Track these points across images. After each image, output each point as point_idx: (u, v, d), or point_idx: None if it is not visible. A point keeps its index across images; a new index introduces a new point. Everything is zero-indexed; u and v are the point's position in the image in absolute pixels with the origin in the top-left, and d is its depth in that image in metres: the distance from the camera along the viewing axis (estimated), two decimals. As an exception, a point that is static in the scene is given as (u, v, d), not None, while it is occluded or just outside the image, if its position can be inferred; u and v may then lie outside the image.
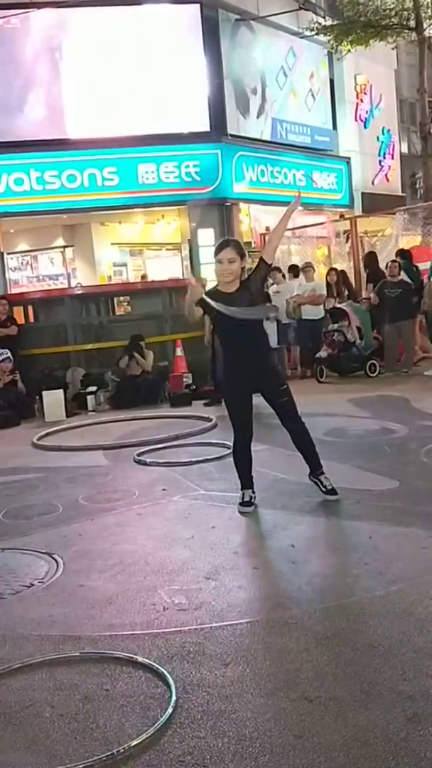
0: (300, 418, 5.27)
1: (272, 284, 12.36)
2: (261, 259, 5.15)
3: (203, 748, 2.51)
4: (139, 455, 7.02)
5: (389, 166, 22.11)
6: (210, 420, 8.44)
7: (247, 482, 5.29)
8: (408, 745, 2.43)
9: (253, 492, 5.27)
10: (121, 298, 13.04)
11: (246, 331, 5.03)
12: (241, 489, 5.27)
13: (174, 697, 2.80)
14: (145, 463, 6.81)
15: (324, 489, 5.21)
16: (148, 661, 3.10)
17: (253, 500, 5.22)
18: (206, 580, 3.97)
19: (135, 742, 2.54)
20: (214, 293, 5.09)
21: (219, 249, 5.03)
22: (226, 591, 3.81)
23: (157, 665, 3.05)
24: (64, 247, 17.35)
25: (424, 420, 7.70)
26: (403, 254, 12.43)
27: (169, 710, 2.72)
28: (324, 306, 12.17)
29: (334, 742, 2.48)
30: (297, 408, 5.26)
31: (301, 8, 17.64)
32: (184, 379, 10.92)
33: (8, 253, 17.56)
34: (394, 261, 11.93)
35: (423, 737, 2.47)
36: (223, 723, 2.65)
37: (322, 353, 11.65)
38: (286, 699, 2.76)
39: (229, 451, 6.76)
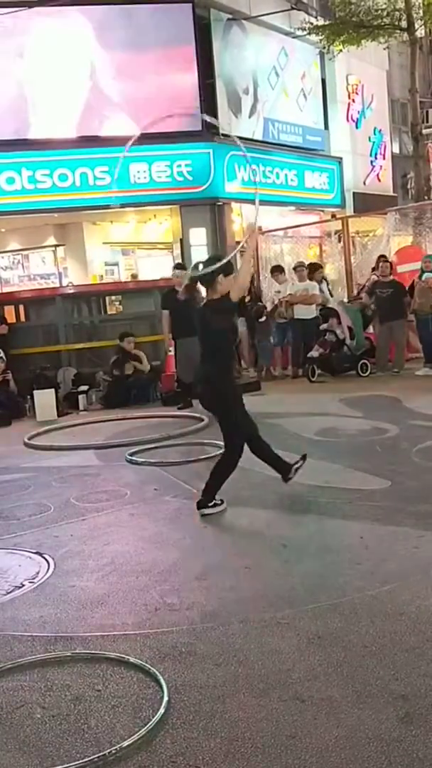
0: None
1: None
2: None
3: (195, 749, 2.50)
4: (130, 455, 7.00)
5: (381, 167, 22.13)
6: (202, 420, 8.43)
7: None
8: (400, 745, 2.43)
9: None
10: (113, 298, 13.01)
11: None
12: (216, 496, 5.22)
13: (166, 698, 2.79)
14: (136, 463, 6.80)
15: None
16: (139, 661, 3.09)
17: None
18: (198, 580, 3.96)
19: (127, 743, 2.53)
20: None
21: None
22: (218, 591, 3.80)
23: (148, 666, 3.04)
24: (56, 246, 17.29)
25: (415, 420, 7.71)
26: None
27: (161, 711, 2.71)
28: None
29: (327, 743, 2.47)
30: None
31: (293, 8, 17.62)
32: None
33: (-1, 252, 17.52)
34: (385, 261, 11.95)
35: (415, 737, 2.47)
36: (215, 723, 2.64)
37: (314, 353, 11.65)
38: (278, 699, 2.76)
39: (221, 451, 6.76)
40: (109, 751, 2.50)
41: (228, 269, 5.20)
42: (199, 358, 9.58)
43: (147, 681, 2.96)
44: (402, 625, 3.24)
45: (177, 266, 10.81)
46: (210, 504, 5.13)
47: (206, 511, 5.11)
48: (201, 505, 5.12)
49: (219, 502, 5.17)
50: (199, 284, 5.22)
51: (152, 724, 2.63)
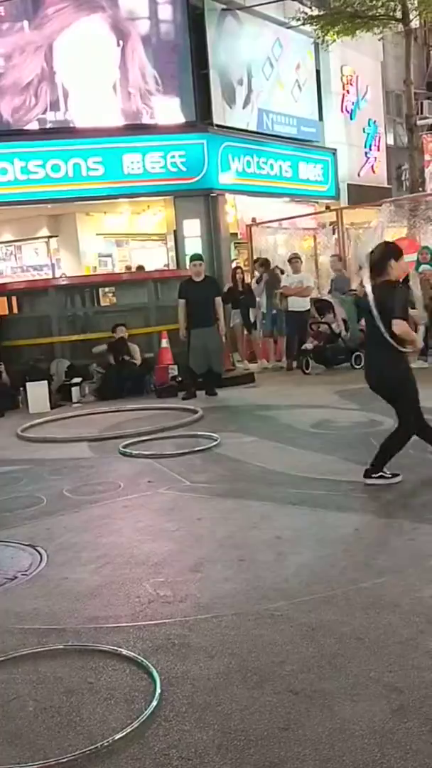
0: None
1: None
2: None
3: (188, 741, 2.49)
4: (124, 447, 6.97)
5: (375, 158, 22.09)
6: (196, 412, 8.41)
7: None
8: (394, 737, 2.43)
9: None
10: (107, 289, 12.95)
11: None
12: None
13: (158, 690, 2.78)
14: (130, 455, 6.77)
15: None
16: (132, 653, 3.08)
17: None
18: (192, 572, 3.95)
19: (119, 736, 2.52)
20: None
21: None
22: (212, 583, 3.79)
23: (141, 658, 3.03)
24: (49, 237, 17.23)
25: (409, 411, 7.69)
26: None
27: (154, 703, 2.70)
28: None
29: (320, 735, 2.46)
30: None
31: (287, -2, 17.54)
32: (170, 371, 10.88)
33: (-8, 244, 17.45)
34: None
35: (408, 729, 2.46)
36: (208, 716, 2.63)
37: (308, 345, 11.64)
38: (271, 692, 2.75)
39: (215, 443, 6.76)
40: (101, 743, 2.49)
41: (398, 254, 5.26)
42: (213, 348, 9.81)
43: (140, 673, 2.95)
44: (396, 617, 3.24)
45: (194, 257, 10.75)
46: (375, 474, 5.21)
47: (369, 481, 5.20)
48: (367, 474, 5.22)
49: (389, 475, 5.22)
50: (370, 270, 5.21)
51: (145, 716, 2.62)
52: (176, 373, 10.82)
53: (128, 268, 16.59)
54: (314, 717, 2.57)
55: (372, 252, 5.37)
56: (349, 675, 2.82)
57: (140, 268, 15.41)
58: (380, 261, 5.22)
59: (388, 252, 5.30)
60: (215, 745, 2.46)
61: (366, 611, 3.32)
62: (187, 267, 11.02)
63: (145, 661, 3.00)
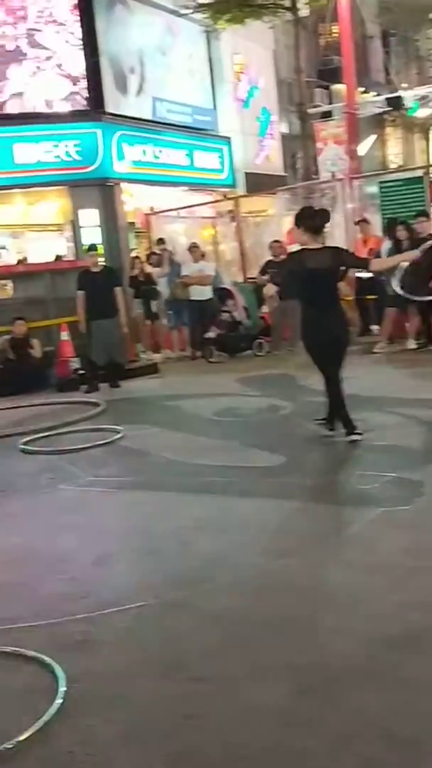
0: None
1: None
2: None
3: (93, 737, 2.47)
4: (24, 444, 6.82)
5: (270, 146, 22.31)
6: (98, 405, 8.32)
7: None
8: (296, 716, 2.48)
9: None
10: (2, 282, 12.60)
11: None
12: None
13: (62, 688, 2.74)
14: (31, 452, 6.63)
15: None
16: (34, 653, 3.02)
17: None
18: (95, 567, 3.92)
19: (23, 737, 2.47)
20: None
21: None
22: (116, 576, 3.78)
23: (44, 657, 2.97)
24: None
25: (309, 396, 7.83)
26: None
27: (58, 701, 2.66)
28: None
29: (223, 720, 2.49)
30: None
31: (177, -14, 17.43)
32: (71, 364, 10.72)
33: None
34: (276, 241, 12.09)
35: (312, 708, 2.51)
36: (113, 710, 2.62)
37: (211, 333, 11.71)
38: (176, 681, 2.76)
39: (119, 436, 6.71)
40: (4, 746, 2.43)
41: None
42: (114, 339, 9.78)
43: (43, 672, 2.90)
44: (297, 599, 3.30)
45: (90, 247, 10.73)
46: (357, 431, 5.59)
47: (355, 437, 5.58)
48: (348, 433, 5.62)
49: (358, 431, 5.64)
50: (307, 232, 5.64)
51: (48, 715, 2.57)
52: (78, 365, 10.68)
53: (22, 260, 16.19)
54: (219, 703, 2.60)
55: (314, 218, 5.72)
56: (252, 659, 2.86)
57: (58, 258, 15.11)
58: (323, 225, 5.70)
59: (327, 216, 5.89)
60: (120, 738, 2.45)
61: (269, 594, 3.38)
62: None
63: (47, 659, 2.95)
